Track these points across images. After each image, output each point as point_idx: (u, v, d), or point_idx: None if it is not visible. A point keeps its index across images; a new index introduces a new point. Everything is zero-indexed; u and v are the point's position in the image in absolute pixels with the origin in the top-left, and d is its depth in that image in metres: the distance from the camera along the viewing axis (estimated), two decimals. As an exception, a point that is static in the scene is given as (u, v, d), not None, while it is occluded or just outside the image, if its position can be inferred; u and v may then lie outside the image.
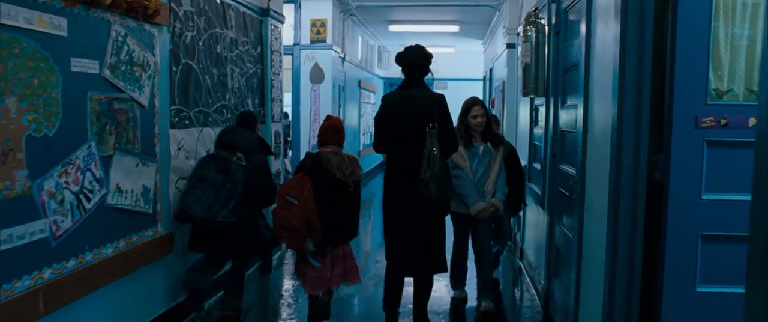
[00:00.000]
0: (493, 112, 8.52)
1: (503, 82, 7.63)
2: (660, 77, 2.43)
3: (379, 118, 3.55)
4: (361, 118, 11.47)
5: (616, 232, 2.49)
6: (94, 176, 2.72)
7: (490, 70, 10.11)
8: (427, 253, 3.45)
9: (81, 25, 2.60)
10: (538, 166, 4.54)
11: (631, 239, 2.46)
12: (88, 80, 2.66)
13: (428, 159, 3.25)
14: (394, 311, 3.62)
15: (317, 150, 3.56)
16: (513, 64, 6.95)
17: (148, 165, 3.23)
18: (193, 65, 3.81)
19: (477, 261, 4.19)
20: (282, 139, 5.70)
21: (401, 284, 3.61)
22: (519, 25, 5.35)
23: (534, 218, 4.77)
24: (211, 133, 4.11)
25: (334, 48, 8.12)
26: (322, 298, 3.66)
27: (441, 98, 3.43)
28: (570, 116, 3.53)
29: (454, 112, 3.57)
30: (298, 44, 8.02)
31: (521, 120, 5.72)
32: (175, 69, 3.56)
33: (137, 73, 3.09)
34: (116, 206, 2.92)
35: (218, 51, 4.21)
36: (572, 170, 3.38)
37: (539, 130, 4.55)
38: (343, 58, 9.22)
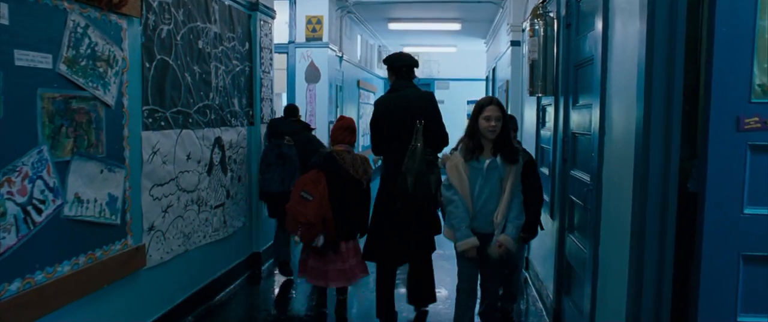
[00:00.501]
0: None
1: (507, 81, 7.30)
2: (693, 72, 2.10)
3: (375, 122, 3.70)
4: (361, 120, 11.14)
5: (640, 249, 2.17)
6: (46, 184, 2.40)
7: (493, 70, 9.78)
8: (418, 237, 3.63)
9: (28, 12, 2.28)
10: (545, 170, 4.20)
11: (659, 258, 2.13)
12: (37, 76, 2.34)
13: (412, 153, 3.41)
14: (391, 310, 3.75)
15: (330, 149, 3.78)
16: (517, 63, 6.62)
17: (115, 171, 2.90)
18: (170, 61, 3.49)
19: (481, 313, 3.31)
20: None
21: (392, 281, 3.73)
22: (524, 21, 5.03)
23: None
24: (193, 136, 3.79)
25: (330, 46, 7.80)
26: (340, 297, 3.91)
27: (431, 95, 3.78)
28: (583, 117, 3.20)
29: (456, 112, 3.40)
30: (293, 42, 7.70)
31: (527, 121, 5.39)
32: (148, 65, 3.24)
33: (102, 69, 2.77)
34: (75, 217, 2.60)
35: (200, 47, 3.88)
36: (586, 177, 3.06)
37: (547, 133, 4.22)
38: (341, 57, 8.89)
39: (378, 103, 3.74)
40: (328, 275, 3.70)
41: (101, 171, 2.78)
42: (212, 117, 4.10)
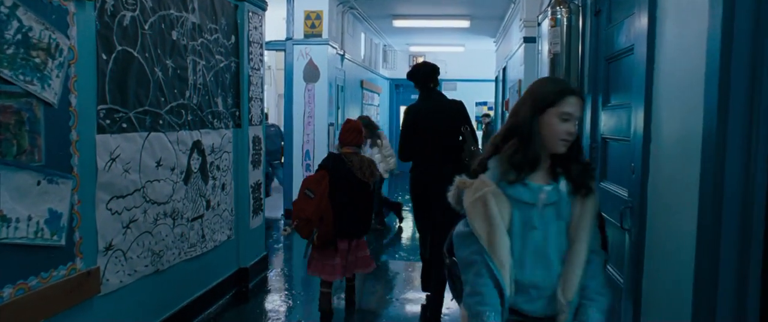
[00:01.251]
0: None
1: (519, 81, 6.79)
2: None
3: (409, 129, 3.82)
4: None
5: (710, 287, 1.66)
6: (-44, 201, 1.92)
7: (504, 70, 9.27)
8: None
9: (-76, -16, 1.81)
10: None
11: (737, 300, 1.62)
12: (-59, 65, 1.86)
13: (471, 154, 3.50)
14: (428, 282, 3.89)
15: (339, 151, 3.87)
16: (531, 61, 6.12)
17: (59, 182, 2.42)
18: (135, 54, 3.01)
19: None
20: (263, 146, 4.90)
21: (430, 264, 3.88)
22: (540, 13, 4.53)
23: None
24: (164, 140, 3.31)
25: (330, 43, 7.32)
26: (349, 283, 4.17)
27: (461, 103, 3.89)
28: (617, 119, 2.70)
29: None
30: (290, 39, 7.22)
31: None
32: (105, 57, 2.76)
33: (38, 60, 2.29)
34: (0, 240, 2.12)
35: (175, 38, 3.41)
36: (622, 192, 2.55)
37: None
38: (343, 56, 8.41)
39: (411, 111, 3.89)
40: (324, 269, 3.83)
41: (38, 183, 2.30)
42: (189, 118, 3.62)
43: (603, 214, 1.95)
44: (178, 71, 3.45)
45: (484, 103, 13.79)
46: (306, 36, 7.21)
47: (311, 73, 7.24)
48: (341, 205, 3.70)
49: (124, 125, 2.93)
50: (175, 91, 3.43)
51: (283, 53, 7.38)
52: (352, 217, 3.78)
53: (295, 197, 4.08)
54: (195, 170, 3.72)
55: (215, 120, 4.00)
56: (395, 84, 14.32)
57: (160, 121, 3.28)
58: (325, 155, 4.03)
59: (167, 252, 3.39)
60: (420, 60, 14.75)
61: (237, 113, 4.41)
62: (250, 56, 4.54)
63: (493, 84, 11.58)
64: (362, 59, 10.51)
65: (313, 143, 7.22)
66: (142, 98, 3.07)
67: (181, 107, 3.51)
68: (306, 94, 7.29)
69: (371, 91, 11.33)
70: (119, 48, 2.86)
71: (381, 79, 12.74)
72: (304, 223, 3.67)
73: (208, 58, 3.87)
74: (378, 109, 12.34)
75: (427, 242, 3.88)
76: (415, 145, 3.78)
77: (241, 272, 4.50)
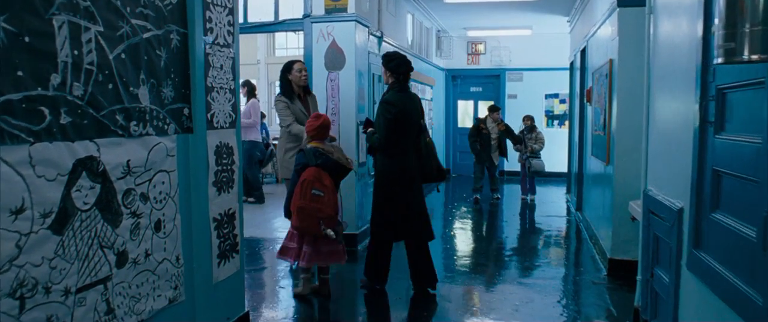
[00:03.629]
0: (596, 108, 5.86)
1: (610, 62, 4.99)
2: None
3: (396, 119, 4.05)
4: (412, 119, 9.02)
5: None
6: None
7: (582, 53, 7.42)
8: (426, 219, 4.29)
9: None
10: (747, 229, 1.93)
11: None
12: None
13: (427, 144, 4.32)
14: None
15: (309, 146, 4.02)
16: (632, 32, 4.35)
17: None
18: None
19: None
20: (239, 158, 3.38)
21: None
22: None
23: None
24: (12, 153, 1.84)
25: (360, 20, 5.74)
26: (322, 276, 4.21)
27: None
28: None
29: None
30: (308, 15, 5.70)
31: (668, 122, 3.07)
32: None
33: None
34: None
35: (22, -18, 1.93)
36: None
37: (741, 142, 1.95)
38: (380, 38, 6.81)
39: (395, 102, 4.07)
40: (321, 255, 3.98)
41: None
42: (66, 121, 2.13)
43: None
44: (27, 39, 1.97)
45: (556, 96, 11.85)
46: (327, 11, 5.66)
47: (334, 58, 5.69)
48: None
49: None
50: (20, 73, 1.94)
51: (298, 33, 5.86)
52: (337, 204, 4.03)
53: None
54: (85, 207, 2.24)
55: (133, 123, 2.51)
56: (452, 75, 12.59)
57: (-20, 128, 1.80)
58: (300, 154, 4.09)
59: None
60: (480, 47, 12.99)
61: (185, 111, 2.91)
62: (208, 25, 3.03)
63: (567, 72, 9.69)
64: (409, 45, 8.89)
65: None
66: None
67: (42, 102, 2.02)
68: (328, 86, 5.74)
69: (421, 83, 9.67)
70: None
71: (434, 70, 11.06)
72: (328, 221, 3.86)
73: (112, 21, 2.37)
74: (430, 104, 10.67)
75: (399, 228, 4.21)
76: (398, 137, 4.08)
77: None
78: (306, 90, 5.00)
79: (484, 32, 11.67)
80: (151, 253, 2.66)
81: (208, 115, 3.05)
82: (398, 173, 4.13)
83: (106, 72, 2.34)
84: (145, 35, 2.58)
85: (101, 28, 2.30)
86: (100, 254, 2.33)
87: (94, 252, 2.30)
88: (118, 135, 2.42)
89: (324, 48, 5.70)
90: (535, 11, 9.26)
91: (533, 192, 9.29)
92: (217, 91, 3.13)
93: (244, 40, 16.02)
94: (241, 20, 6.07)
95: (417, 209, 4.21)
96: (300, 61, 4.95)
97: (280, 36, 17.89)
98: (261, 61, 18.34)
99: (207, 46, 3.01)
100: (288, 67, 4.87)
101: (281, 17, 5.93)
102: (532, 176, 9.11)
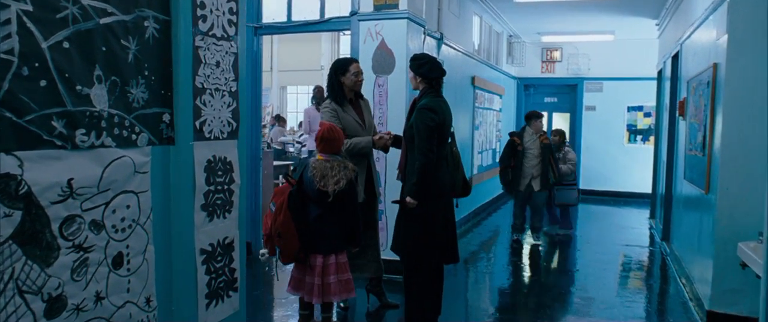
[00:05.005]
0: (692, 123, 4.84)
1: (714, 67, 4.06)
2: None
3: (438, 126, 3.57)
4: (476, 131, 8.25)
5: None
6: None
7: (674, 59, 6.41)
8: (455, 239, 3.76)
9: None
10: None
11: None
12: None
13: (454, 154, 3.82)
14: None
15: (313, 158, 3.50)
16: (745, 29, 3.46)
17: None
18: None
19: None
20: (238, 177, 2.78)
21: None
22: None
23: None
24: None
25: (413, 18, 5.07)
26: (324, 315, 3.61)
27: None
28: None
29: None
30: (356, 13, 5.09)
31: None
32: None
33: None
34: None
35: None
36: None
37: None
38: (440, 40, 6.13)
39: (436, 109, 3.58)
40: (303, 286, 3.44)
41: None
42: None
43: None
44: None
45: (640, 108, 10.69)
46: (376, 7, 5.03)
47: (383, 60, 5.05)
48: (311, 217, 3.39)
49: None
50: None
51: (345, 33, 5.26)
52: (323, 231, 3.38)
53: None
54: (-3, 241, 1.69)
55: (79, 131, 1.94)
56: (524, 84, 11.67)
57: None
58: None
59: None
60: (556, 54, 11.98)
61: (165, 118, 2.34)
62: (200, 12, 2.45)
63: (654, 82, 8.61)
64: (476, 49, 8.13)
65: (384, 161, 5.02)
66: None
67: None
68: (376, 91, 5.11)
69: (488, 92, 8.88)
70: None
71: (504, 77, 10.21)
72: (266, 239, 3.48)
73: (52, 3, 1.83)
74: (499, 115, 9.84)
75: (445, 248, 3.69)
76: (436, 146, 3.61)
77: None
78: (357, 94, 4.18)
79: (560, 37, 10.71)
80: (106, 296, 2.09)
81: (197, 123, 2.47)
82: (435, 187, 3.61)
83: (36, 65, 1.79)
84: (104, 20, 2.03)
85: (28, 7, 1.75)
86: (17, 303, 1.78)
87: (7, 301, 1.74)
88: (54, 146, 1.86)
89: (372, 49, 5.07)
90: (619, 13, 8.27)
91: (569, 226, 7.36)
92: (211, 94, 2.54)
93: (306, 43, 15.70)
94: (284, 18, 5.56)
95: (452, 227, 3.72)
96: (356, 61, 4.14)
97: (345, 40, 17.51)
98: (325, 66, 18.02)
99: (197, 38, 2.43)
100: (341, 67, 4.02)
101: (327, 15, 5.36)
102: (564, 207, 7.26)
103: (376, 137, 3.99)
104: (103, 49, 2.03)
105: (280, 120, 11.06)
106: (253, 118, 5.70)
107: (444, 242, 3.63)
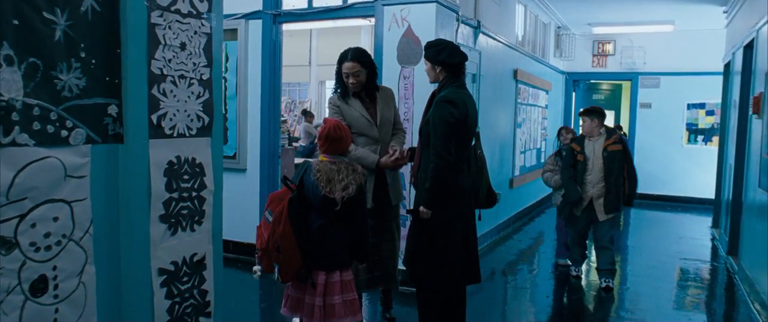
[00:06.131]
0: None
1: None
2: None
3: (459, 123, 3.06)
4: (519, 128, 7.63)
5: None
6: None
7: (746, 49, 5.66)
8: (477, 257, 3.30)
9: None
10: None
11: None
12: None
13: (479, 157, 3.29)
14: None
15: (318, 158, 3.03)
16: None
17: None
18: None
19: None
20: (218, 182, 2.33)
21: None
22: None
23: None
24: None
25: (443, 2, 4.54)
26: None
27: None
28: None
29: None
30: (379, -2, 4.60)
31: None
32: None
33: None
34: None
35: None
36: None
37: None
38: (477, 28, 5.57)
39: (458, 102, 3.06)
40: (303, 308, 2.95)
41: None
42: None
43: None
44: None
45: (701, 106, 9.80)
46: (403, -9, 4.53)
47: (409, 49, 4.54)
48: (312, 228, 2.90)
49: None
50: None
51: (367, 19, 4.76)
52: (326, 244, 2.91)
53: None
54: None
55: (-24, 125, 1.53)
56: (573, 79, 10.93)
57: None
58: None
59: None
60: (608, 47, 11.13)
61: (110, 111, 1.90)
62: (158, -19, 2.01)
63: (719, 77, 7.78)
64: (519, 41, 7.52)
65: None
66: None
67: None
68: (401, 84, 4.61)
69: (533, 87, 8.23)
70: None
71: (550, 72, 9.52)
72: (262, 253, 2.92)
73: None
74: (545, 111, 9.17)
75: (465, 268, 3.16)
76: (455, 146, 3.07)
77: None
78: (371, 86, 3.57)
79: (613, 29, 9.92)
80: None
81: (154, 117, 2.03)
82: (455, 194, 3.11)
83: None
84: (13, -16, 1.61)
85: None
86: None
87: None
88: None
89: (397, 37, 4.57)
90: (681, 0, 7.49)
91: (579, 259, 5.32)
92: (174, 82, 2.10)
93: (346, 36, 15.29)
94: (304, 5, 5.12)
95: (474, 244, 3.24)
96: (354, 59, 3.47)
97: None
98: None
99: (154, 14, 1.99)
100: (340, 59, 3.56)
101: (350, 0, 4.89)
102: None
103: (384, 158, 3.46)
104: (15, 22, 1.61)
105: (307, 115, 10.68)
106: (271, 113, 5.29)
107: (464, 261, 3.12)
